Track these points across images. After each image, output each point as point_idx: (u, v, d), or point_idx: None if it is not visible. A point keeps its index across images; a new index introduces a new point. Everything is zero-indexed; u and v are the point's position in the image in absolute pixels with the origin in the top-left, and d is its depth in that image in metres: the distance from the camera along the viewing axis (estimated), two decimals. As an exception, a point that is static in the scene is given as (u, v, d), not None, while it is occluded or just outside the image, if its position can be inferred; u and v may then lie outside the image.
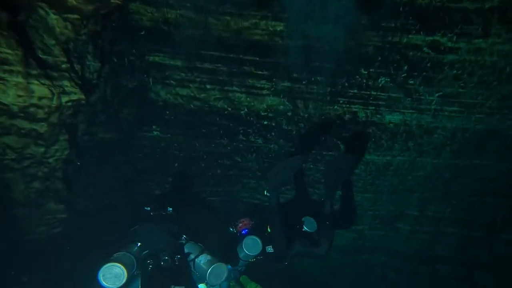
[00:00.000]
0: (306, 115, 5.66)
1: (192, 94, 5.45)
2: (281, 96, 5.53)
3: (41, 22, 3.34)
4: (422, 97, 5.29)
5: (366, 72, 5.16)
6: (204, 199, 6.69)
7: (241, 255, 4.65)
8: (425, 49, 4.92)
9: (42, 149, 4.05)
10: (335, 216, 5.29)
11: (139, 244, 3.71)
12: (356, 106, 5.45)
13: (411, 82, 5.22)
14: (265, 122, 5.83)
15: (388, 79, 5.15)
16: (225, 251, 4.81)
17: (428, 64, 5.00)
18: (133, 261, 3.40)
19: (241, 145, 6.14)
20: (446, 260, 7.11)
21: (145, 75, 5.21)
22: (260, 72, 5.30)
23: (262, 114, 5.73)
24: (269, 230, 5.01)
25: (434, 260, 7.26)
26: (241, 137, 6.02)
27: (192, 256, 3.69)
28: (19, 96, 3.30)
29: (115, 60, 4.76)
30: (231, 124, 5.87)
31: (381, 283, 7.38)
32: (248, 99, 5.60)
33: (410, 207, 6.69)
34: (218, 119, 5.79)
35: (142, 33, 4.65)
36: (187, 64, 5.10)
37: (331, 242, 4.88)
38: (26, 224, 4.22)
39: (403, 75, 5.17)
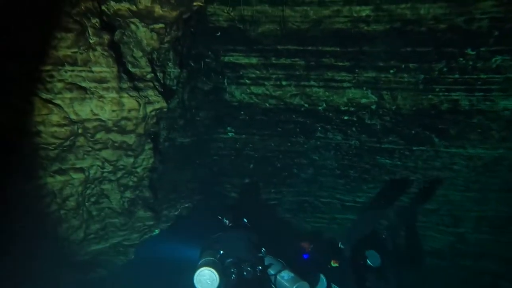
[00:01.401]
0: (393, 107, 5.09)
1: (267, 92, 5.21)
2: (364, 88, 5.04)
3: (132, 37, 3.34)
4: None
5: (474, 53, 4.39)
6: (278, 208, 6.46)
7: None
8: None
9: (131, 160, 4.11)
10: (398, 251, 4.67)
11: (221, 252, 3.64)
12: (457, 93, 4.72)
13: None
14: (345, 117, 5.39)
15: (508, 57, 4.30)
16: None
17: None
18: (220, 267, 3.37)
19: (318, 143, 5.77)
20: None
21: (220, 76, 5.08)
22: (340, 64, 4.86)
23: (342, 108, 5.30)
24: (333, 264, 4.47)
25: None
26: (319, 134, 5.65)
27: (272, 272, 3.58)
28: (113, 111, 3.32)
29: (192, 64, 4.68)
30: (308, 121, 5.53)
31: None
32: (326, 93, 5.20)
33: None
34: (294, 116, 5.48)
35: (218, 34, 4.49)
36: (263, 61, 4.86)
37: (398, 278, 4.28)
38: (123, 231, 4.36)
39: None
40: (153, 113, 3.91)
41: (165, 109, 4.02)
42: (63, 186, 3.33)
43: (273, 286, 3.59)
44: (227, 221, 4.25)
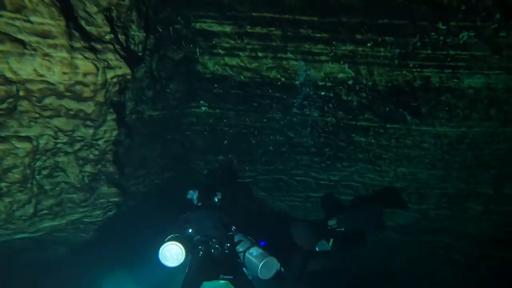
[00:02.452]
0: (369, 83, 4.95)
1: (242, 64, 4.93)
2: (342, 62, 4.85)
3: (82, -14, 2.94)
4: (516, 53, 4.38)
5: (445, 27, 4.31)
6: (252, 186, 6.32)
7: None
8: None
9: (91, 131, 3.78)
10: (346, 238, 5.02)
11: (190, 230, 3.65)
12: (429, 70, 4.65)
13: (503, 34, 4.30)
14: (322, 93, 5.22)
15: (472, 34, 4.28)
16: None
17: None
18: (187, 244, 3.34)
19: (295, 119, 5.59)
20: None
21: (191, 45, 4.75)
22: (318, 35, 4.63)
23: (319, 83, 5.11)
24: None
25: (509, 243, 6.45)
26: (295, 110, 5.46)
27: (240, 249, 3.58)
28: (64, 73, 2.98)
29: (160, 29, 4.31)
30: (284, 96, 5.33)
31: (446, 266, 6.74)
32: (304, 67, 4.98)
33: (483, 185, 5.85)
34: (270, 91, 5.26)
35: (188, -4, 4.14)
36: (237, 29, 4.55)
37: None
38: (83, 208, 4.07)
39: (493, 26, 4.26)
40: (114, 79, 3.56)
41: (128, 76, 3.69)
42: (3, 156, 2.98)
43: (242, 263, 3.55)
44: (196, 201, 4.19)
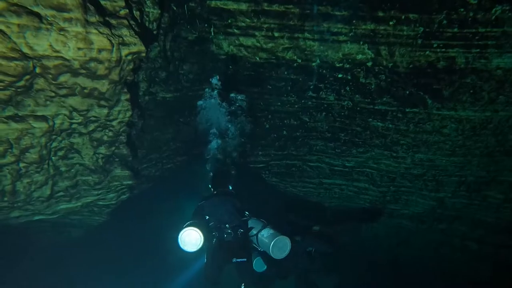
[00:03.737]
0: (390, 65, 4.76)
1: (257, 45, 4.77)
2: (361, 43, 4.66)
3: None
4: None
5: (476, 1, 4.05)
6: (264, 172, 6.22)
7: None
8: None
9: (105, 111, 3.70)
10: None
11: (207, 217, 3.75)
12: (455, 50, 4.42)
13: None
14: (340, 75, 5.05)
15: (507, 7, 3.99)
16: None
17: None
18: (205, 230, 3.42)
19: (310, 103, 5.45)
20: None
21: (206, 24, 4.59)
22: (337, 13, 4.44)
23: (337, 65, 4.94)
24: None
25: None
26: (311, 93, 5.31)
27: (254, 232, 3.66)
28: (79, 48, 2.87)
29: (174, 7, 4.16)
30: (300, 79, 5.17)
31: (460, 254, 6.62)
32: (321, 47, 4.81)
33: (505, 172, 5.67)
34: (286, 73, 5.10)
35: (203, -29, 3.97)
36: (253, 7, 4.37)
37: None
38: (97, 191, 4.01)
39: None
40: (129, 57, 3.45)
41: (143, 54, 3.57)
42: (21, 135, 2.91)
43: (255, 245, 3.62)
44: (211, 189, 4.28)
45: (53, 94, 3.00)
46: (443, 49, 4.48)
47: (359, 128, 5.55)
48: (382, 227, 6.88)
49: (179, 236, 3.18)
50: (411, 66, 4.67)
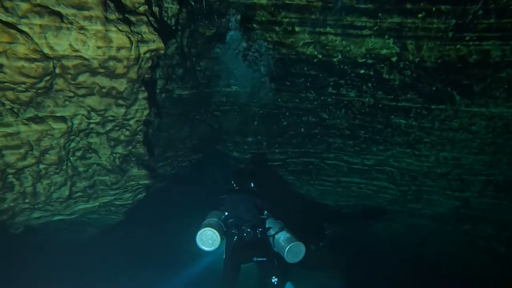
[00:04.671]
0: (416, 60, 4.55)
1: (277, 39, 4.60)
2: (386, 37, 4.46)
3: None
4: None
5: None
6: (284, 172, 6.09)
7: None
8: None
9: (123, 110, 3.60)
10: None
11: (226, 213, 3.75)
12: (490, 42, 4.17)
13: None
14: (362, 71, 4.85)
15: None
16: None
17: None
18: (223, 228, 3.49)
19: (329, 100, 5.27)
20: None
21: (224, 20, 4.43)
22: (362, 6, 4.23)
23: (359, 60, 4.74)
24: None
25: None
26: (331, 90, 5.13)
27: (272, 232, 3.66)
28: (99, 47, 2.76)
29: (193, 2, 4.01)
30: (320, 75, 4.99)
31: (485, 256, 6.39)
32: (343, 42, 4.61)
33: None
34: (305, 68, 4.92)
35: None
36: (274, 0, 4.19)
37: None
38: (114, 190, 3.95)
39: None
40: (147, 54, 3.33)
41: (161, 51, 3.44)
42: (41, 137, 2.83)
43: (271, 246, 3.63)
44: (234, 184, 4.25)
45: (72, 94, 2.90)
46: (477, 42, 4.24)
47: (380, 125, 5.36)
48: (401, 226, 6.71)
49: (197, 235, 3.23)
50: (439, 61, 4.45)
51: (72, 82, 2.81)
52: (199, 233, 3.24)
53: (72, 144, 3.26)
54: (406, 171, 5.76)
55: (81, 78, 2.86)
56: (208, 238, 3.24)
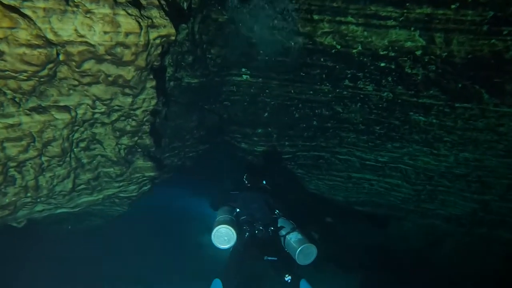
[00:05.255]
0: (444, 54, 4.25)
1: (294, 28, 4.31)
2: (412, 29, 4.16)
3: None
4: None
5: None
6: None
7: None
8: None
9: (129, 100, 3.38)
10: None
11: (238, 210, 3.71)
12: (528, 36, 3.86)
13: None
14: (382, 64, 4.57)
15: None
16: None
17: None
18: (236, 226, 3.41)
19: (345, 92, 5.01)
20: None
21: (237, 5, 4.14)
22: (389, -5, 3.93)
23: (381, 53, 4.46)
24: None
25: None
26: (347, 82, 4.86)
27: (283, 232, 3.62)
28: (106, 32, 2.52)
29: (205, -16, 3.73)
30: (337, 66, 4.71)
31: (504, 262, 6.17)
32: (365, 33, 4.32)
33: None
34: (322, 59, 4.65)
35: None
36: (294, -15, 3.89)
37: None
38: (119, 183, 3.78)
39: None
40: (157, 40, 3.08)
41: (172, 37, 3.18)
42: (44, 128, 2.64)
43: (283, 246, 3.59)
44: (246, 181, 4.23)
45: (76, 82, 2.68)
46: (514, 36, 3.92)
47: (397, 121, 5.12)
48: (413, 226, 6.53)
49: (213, 233, 3.21)
50: (469, 56, 4.15)
51: (77, 69, 2.59)
52: (214, 230, 3.21)
53: (76, 135, 3.06)
54: (422, 170, 5.53)
55: (86, 66, 2.63)
56: (223, 235, 3.23)
